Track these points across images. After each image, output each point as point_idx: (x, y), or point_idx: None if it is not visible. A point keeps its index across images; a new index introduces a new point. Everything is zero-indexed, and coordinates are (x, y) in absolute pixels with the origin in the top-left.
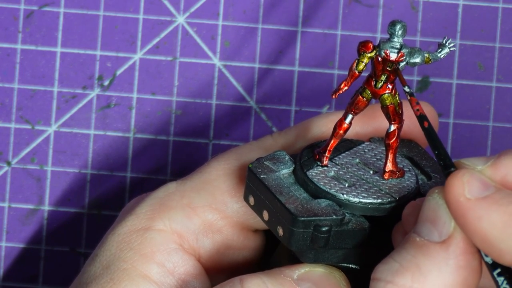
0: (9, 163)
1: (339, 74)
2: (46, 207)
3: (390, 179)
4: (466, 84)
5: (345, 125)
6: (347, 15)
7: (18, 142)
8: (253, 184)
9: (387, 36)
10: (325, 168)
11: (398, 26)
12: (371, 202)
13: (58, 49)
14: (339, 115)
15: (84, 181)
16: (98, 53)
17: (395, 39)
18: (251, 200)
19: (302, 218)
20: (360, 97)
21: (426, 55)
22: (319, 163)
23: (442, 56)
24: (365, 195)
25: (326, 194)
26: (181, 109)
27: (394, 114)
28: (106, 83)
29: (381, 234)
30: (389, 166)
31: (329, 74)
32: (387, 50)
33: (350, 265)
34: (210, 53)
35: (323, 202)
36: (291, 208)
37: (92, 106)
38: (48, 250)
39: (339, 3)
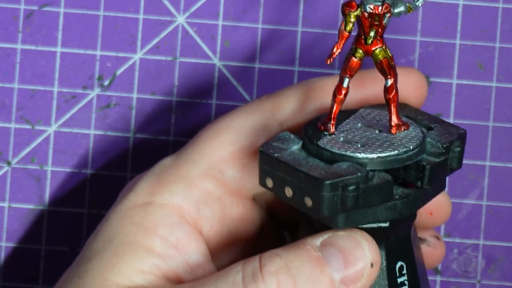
0: (9, 163)
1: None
2: (46, 207)
3: (398, 133)
4: (466, 84)
5: (344, 89)
6: None
7: (18, 142)
8: (268, 165)
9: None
10: (333, 135)
11: None
12: (389, 155)
13: (58, 49)
14: (326, 80)
15: (84, 181)
16: (98, 53)
17: None
18: (269, 182)
19: (329, 181)
20: (353, 58)
21: (408, 4)
22: (326, 132)
23: (419, 4)
24: (380, 150)
25: (343, 157)
26: (181, 109)
27: (388, 68)
28: (106, 83)
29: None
30: (395, 120)
31: (329, 74)
32: (372, 4)
33: (380, 224)
34: (210, 53)
35: (343, 164)
36: (316, 174)
37: (92, 106)
38: (48, 250)
39: (339, 3)
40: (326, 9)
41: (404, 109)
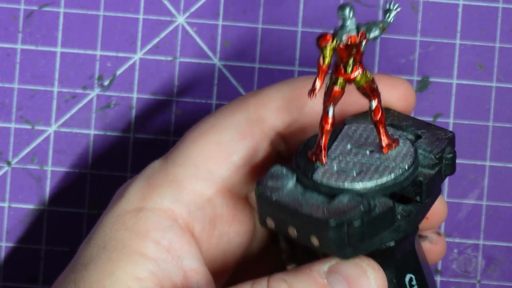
0: (9, 163)
1: None
2: (46, 207)
3: (389, 152)
4: (466, 84)
5: (330, 120)
6: None
7: (18, 142)
8: (267, 208)
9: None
10: (326, 166)
11: (347, 10)
12: (387, 181)
13: (58, 49)
14: (303, 80)
15: (84, 181)
16: (98, 53)
17: (349, 22)
18: (270, 223)
19: (334, 222)
20: (335, 87)
21: (381, 25)
22: (318, 164)
23: (391, 20)
24: (377, 176)
25: (342, 190)
26: (181, 109)
27: (371, 91)
28: (106, 83)
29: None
30: (385, 140)
31: (328, 74)
32: (347, 34)
33: (386, 245)
34: (210, 53)
35: (344, 198)
36: (319, 216)
37: (92, 106)
38: (48, 250)
39: (339, 3)
40: (326, 9)
41: (387, 114)
